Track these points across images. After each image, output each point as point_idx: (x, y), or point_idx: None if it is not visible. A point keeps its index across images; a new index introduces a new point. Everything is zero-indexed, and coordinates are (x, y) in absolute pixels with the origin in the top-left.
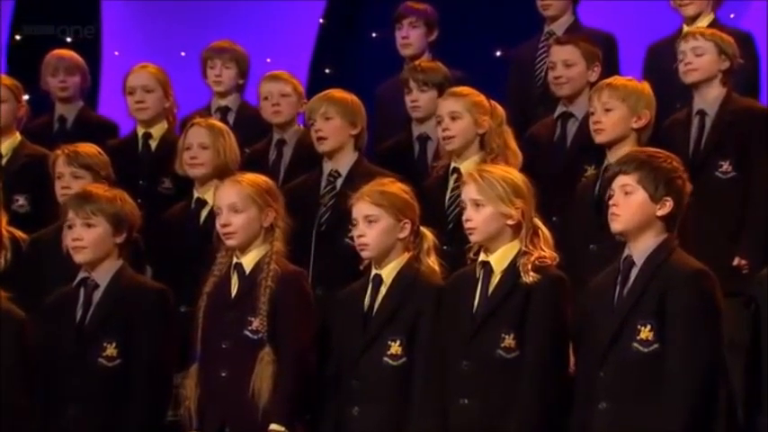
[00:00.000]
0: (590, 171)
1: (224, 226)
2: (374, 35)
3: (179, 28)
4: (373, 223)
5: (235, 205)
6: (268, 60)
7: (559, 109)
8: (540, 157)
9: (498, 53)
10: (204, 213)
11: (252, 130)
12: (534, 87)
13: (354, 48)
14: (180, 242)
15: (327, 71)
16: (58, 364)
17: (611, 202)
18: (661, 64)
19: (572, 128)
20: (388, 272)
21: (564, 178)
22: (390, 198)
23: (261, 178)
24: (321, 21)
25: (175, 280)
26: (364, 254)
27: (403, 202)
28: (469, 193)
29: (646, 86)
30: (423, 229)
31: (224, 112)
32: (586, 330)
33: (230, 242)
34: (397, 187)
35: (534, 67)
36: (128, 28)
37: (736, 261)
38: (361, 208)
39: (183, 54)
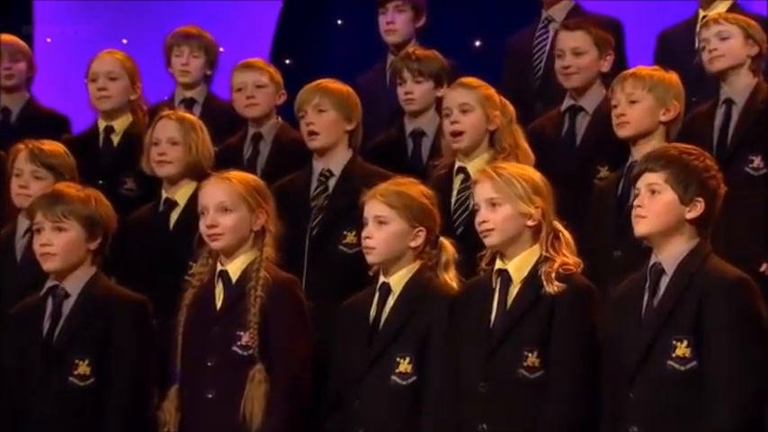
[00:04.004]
0: (603, 172)
1: (210, 227)
2: (339, 22)
3: (119, 14)
4: (383, 225)
5: (223, 204)
6: (221, 50)
7: (567, 102)
8: (545, 155)
9: (478, 43)
10: (174, 216)
11: (220, 125)
12: (533, 79)
13: (317, 36)
14: (147, 248)
15: (288, 62)
16: (24, 384)
17: (635, 202)
18: (674, 51)
19: (582, 123)
20: (397, 280)
21: (574, 179)
22: (406, 200)
23: (251, 177)
24: (281, 6)
25: (142, 291)
26: (369, 258)
27: (420, 208)
28: (484, 192)
29: (674, 76)
30: (443, 239)
31: (189, 104)
32: (610, 346)
33: (216, 244)
34: (418, 190)
35: (532, 56)
36: (64, 15)
37: (763, 267)
38: (372, 207)
39: (124, 42)
